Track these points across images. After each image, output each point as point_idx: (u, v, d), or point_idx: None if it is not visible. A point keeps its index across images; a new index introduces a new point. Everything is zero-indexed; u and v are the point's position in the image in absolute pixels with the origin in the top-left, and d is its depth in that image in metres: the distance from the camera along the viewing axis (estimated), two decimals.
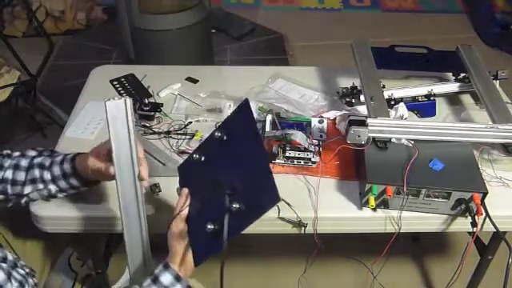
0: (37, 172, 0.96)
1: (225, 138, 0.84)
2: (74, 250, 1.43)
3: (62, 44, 3.09)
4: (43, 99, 2.55)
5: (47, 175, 0.96)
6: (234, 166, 0.82)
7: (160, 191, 1.08)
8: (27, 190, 0.96)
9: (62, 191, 0.98)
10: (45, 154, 1.01)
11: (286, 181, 1.11)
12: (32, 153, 1.01)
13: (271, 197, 0.73)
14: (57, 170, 0.96)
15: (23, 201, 0.98)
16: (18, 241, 1.13)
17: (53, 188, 0.97)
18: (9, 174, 0.96)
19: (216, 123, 1.28)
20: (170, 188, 1.08)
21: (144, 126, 1.26)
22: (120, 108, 0.87)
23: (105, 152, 0.91)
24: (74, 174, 0.95)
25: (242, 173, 0.80)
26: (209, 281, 1.19)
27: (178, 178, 1.10)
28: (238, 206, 0.75)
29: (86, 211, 1.04)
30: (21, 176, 0.96)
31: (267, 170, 0.76)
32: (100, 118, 1.30)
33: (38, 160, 0.97)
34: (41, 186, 0.96)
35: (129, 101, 0.88)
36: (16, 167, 0.96)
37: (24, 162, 0.97)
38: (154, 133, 1.25)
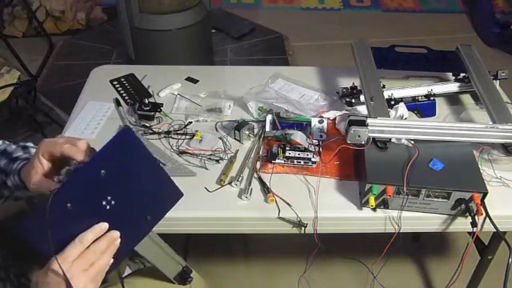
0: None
1: (102, 172, 0.73)
2: None
3: (62, 44, 3.10)
4: (43, 99, 2.55)
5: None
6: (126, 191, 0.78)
7: None
8: None
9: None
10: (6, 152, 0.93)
11: (286, 181, 1.11)
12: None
13: (177, 194, 0.86)
14: (12, 180, 0.89)
15: None
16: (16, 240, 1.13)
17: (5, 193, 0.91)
18: None
19: (216, 123, 1.28)
20: None
21: (144, 126, 1.26)
22: None
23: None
24: (24, 186, 0.86)
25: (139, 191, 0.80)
26: (209, 281, 1.19)
27: (177, 178, 1.10)
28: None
29: None
30: None
31: (166, 177, 0.83)
32: (100, 117, 1.30)
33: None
34: None
35: None
36: None
37: None
38: (154, 133, 1.25)
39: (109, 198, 0.74)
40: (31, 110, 2.26)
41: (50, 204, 0.66)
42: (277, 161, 1.13)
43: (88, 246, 0.70)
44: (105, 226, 0.73)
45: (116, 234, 0.74)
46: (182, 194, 0.86)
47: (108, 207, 0.74)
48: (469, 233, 1.03)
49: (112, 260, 0.74)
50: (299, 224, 1.03)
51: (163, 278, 1.00)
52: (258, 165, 1.14)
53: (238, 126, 1.22)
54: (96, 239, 0.71)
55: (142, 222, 0.82)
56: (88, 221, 0.72)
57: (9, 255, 0.96)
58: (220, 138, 1.23)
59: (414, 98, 1.33)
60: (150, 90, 1.41)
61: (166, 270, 0.98)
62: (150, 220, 0.83)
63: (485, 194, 0.99)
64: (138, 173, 0.79)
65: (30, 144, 0.96)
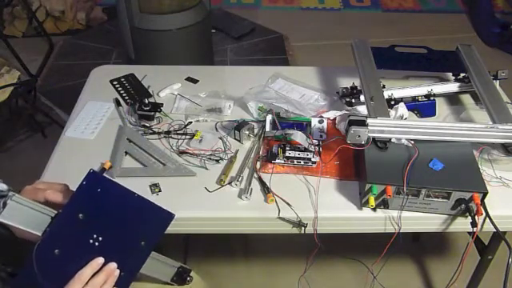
0: None
1: (80, 216, 0.77)
2: None
3: (62, 44, 3.10)
4: (43, 99, 2.55)
5: None
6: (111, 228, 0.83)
7: (160, 191, 1.08)
8: None
9: None
10: None
11: (286, 181, 1.11)
12: None
13: (167, 216, 0.88)
14: None
15: None
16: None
17: None
18: None
19: (216, 123, 1.28)
20: (170, 188, 1.09)
21: (144, 126, 1.26)
22: None
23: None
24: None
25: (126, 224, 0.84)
26: (209, 281, 1.19)
27: (177, 178, 1.11)
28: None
29: None
30: None
31: (150, 205, 0.86)
32: (100, 117, 1.30)
33: None
34: None
35: None
36: None
37: None
38: (154, 133, 1.25)
39: (94, 235, 0.79)
40: (31, 110, 2.27)
41: (35, 256, 0.72)
42: (277, 161, 1.13)
43: (87, 282, 0.77)
44: (101, 260, 0.79)
45: (113, 265, 0.81)
46: (173, 216, 0.89)
47: (97, 244, 0.80)
48: (469, 233, 1.03)
49: None
50: (299, 224, 1.03)
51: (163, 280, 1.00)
52: (258, 165, 1.14)
53: (238, 126, 1.22)
54: (95, 273, 0.78)
55: (137, 249, 0.86)
56: (81, 259, 0.78)
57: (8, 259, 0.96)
58: (220, 138, 1.23)
59: (414, 98, 1.33)
60: (150, 90, 1.41)
61: (160, 276, 0.98)
62: (145, 245, 0.87)
63: (485, 194, 0.99)
64: (118, 207, 0.82)
65: None
